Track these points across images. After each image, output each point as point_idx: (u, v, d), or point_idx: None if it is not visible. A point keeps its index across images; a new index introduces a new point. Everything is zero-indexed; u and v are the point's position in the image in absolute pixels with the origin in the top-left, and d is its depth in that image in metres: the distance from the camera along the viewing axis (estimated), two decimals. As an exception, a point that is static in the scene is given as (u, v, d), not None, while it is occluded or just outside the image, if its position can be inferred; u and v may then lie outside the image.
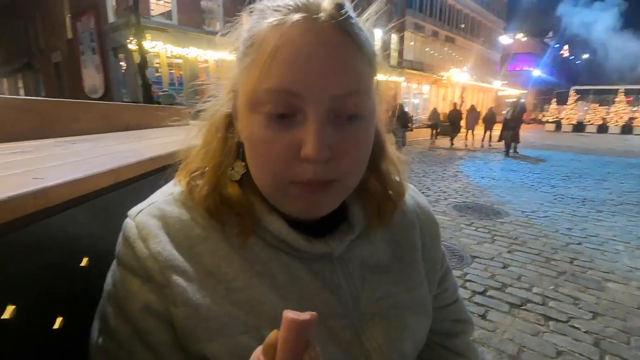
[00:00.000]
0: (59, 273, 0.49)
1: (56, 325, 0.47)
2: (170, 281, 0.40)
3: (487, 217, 4.34)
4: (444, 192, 5.62)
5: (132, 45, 10.36)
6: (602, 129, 24.69)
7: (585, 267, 3.02)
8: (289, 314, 0.26)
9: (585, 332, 2.13)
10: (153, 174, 0.74)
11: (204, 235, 0.43)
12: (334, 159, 0.37)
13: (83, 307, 0.48)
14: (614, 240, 3.66)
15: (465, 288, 2.63)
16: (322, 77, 0.36)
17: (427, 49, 26.44)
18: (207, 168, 0.44)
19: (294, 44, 0.35)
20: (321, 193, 0.39)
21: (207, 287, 0.41)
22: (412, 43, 24.50)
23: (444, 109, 21.17)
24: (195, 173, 0.45)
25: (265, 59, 0.36)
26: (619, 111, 24.34)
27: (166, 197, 0.45)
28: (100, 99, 13.39)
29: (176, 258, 0.41)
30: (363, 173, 0.43)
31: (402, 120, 9.85)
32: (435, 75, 25.95)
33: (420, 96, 26.02)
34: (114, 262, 0.44)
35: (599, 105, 25.94)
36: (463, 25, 30.72)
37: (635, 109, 25.09)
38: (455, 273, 2.83)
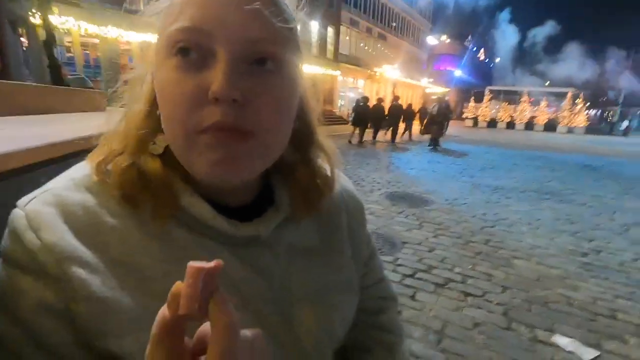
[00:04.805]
0: None
1: None
2: (68, 274, 0.35)
3: (416, 206, 4.65)
4: (378, 183, 5.90)
5: (36, 19, 8.98)
6: (511, 125, 28.23)
7: (497, 247, 3.40)
8: (192, 264, 0.25)
9: (496, 304, 2.40)
10: (48, 164, 0.63)
11: (113, 221, 0.38)
12: (247, 106, 0.35)
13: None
14: (520, 222, 4.18)
15: (397, 272, 2.79)
16: (234, 18, 0.35)
17: (361, 45, 27.30)
18: (126, 147, 0.40)
19: None
20: (236, 145, 0.36)
21: (116, 278, 0.37)
22: (347, 38, 25.09)
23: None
24: (111, 154, 0.40)
25: (179, 3, 0.35)
26: (523, 110, 28.03)
27: (66, 182, 0.40)
28: (-6, 79, 11.45)
29: (77, 248, 0.36)
30: (285, 139, 0.41)
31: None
32: (369, 71, 26.95)
33: (356, 90, 26.84)
34: None
35: (508, 104, 29.62)
36: (394, 24, 32.30)
37: (535, 108, 29.09)
38: (387, 258, 2.99)
